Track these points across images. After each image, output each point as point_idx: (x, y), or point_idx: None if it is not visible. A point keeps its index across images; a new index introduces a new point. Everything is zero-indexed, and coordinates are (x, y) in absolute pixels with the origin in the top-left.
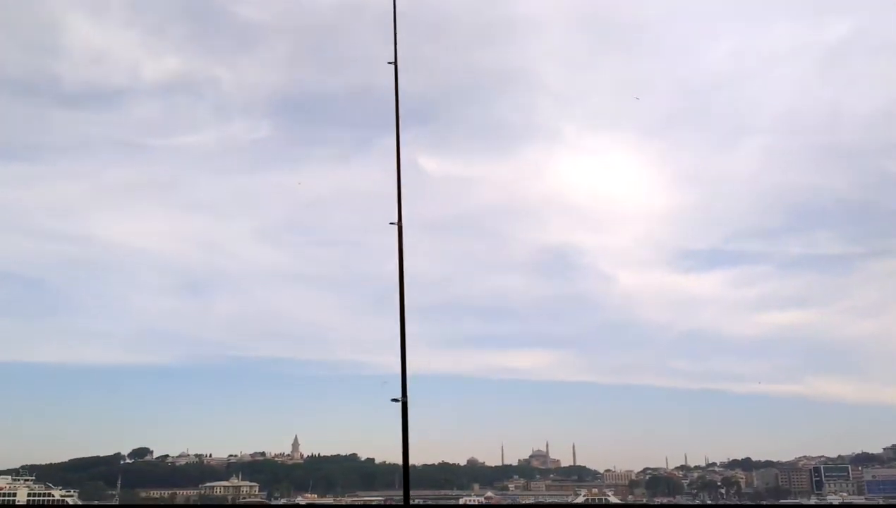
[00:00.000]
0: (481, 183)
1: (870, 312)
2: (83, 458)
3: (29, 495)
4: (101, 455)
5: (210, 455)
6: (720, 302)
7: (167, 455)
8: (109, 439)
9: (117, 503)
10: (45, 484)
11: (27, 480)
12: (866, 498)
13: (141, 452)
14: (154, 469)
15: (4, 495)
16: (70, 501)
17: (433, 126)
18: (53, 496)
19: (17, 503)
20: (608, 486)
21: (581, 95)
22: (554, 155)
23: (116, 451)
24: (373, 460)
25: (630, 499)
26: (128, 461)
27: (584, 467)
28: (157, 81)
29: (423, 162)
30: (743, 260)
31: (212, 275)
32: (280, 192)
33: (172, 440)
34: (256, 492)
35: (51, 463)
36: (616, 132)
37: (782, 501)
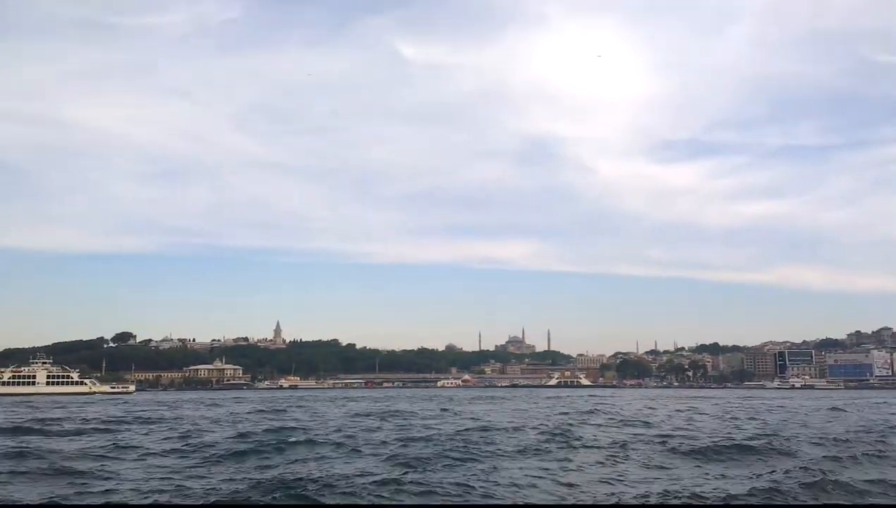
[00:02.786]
0: (464, 70)
1: (844, 202)
2: (66, 342)
3: (48, 376)
4: (84, 339)
5: (193, 340)
6: (697, 192)
7: (150, 340)
8: (92, 324)
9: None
10: (62, 367)
11: (45, 363)
12: (827, 381)
13: (124, 336)
14: (138, 352)
15: (24, 377)
16: (88, 382)
17: (415, 8)
18: (72, 377)
19: (36, 382)
20: (580, 369)
21: None
22: (538, 40)
23: (100, 335)
24: (353, 345)
25: (600, 381)
26: (111, 345)
27: (558, 352)
28: None
29: (405, 49)
30: (721, 151)
31: (188, 163)
32: (256, 77)
33: (155, 325)
34: (240, 375)
35: (34, 347)
36: (600, 17)
37: (746, 383)
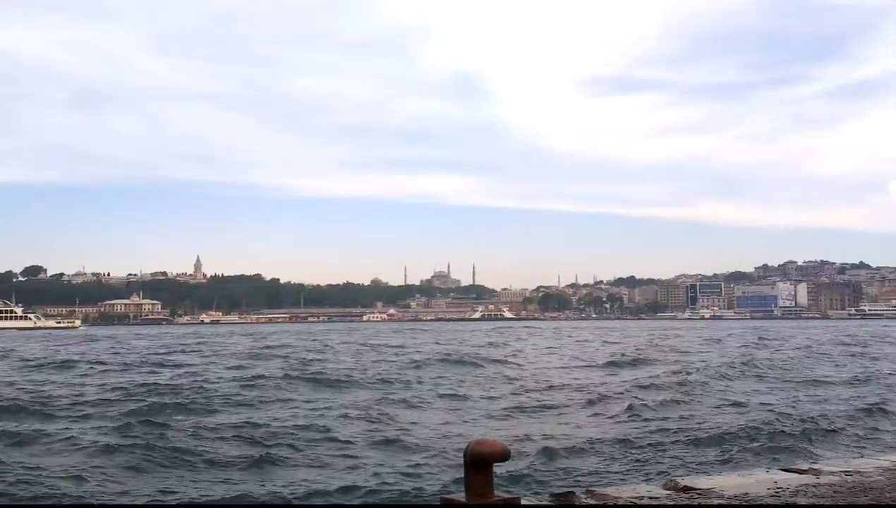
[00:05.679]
0: None
1: (763, 139)
2: None
3: None
4: None
5: (108, 274)
6: (622, 128)
7: (62, 274)
8: None
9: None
10: (3, 302)
11: None
12: (735, 312)
13: (34, 270)
14: (50, 287)
15: None
16: (32, 317)
17: None
18: (16, 312)
19: None
20: (503, 303)
21: None
22: None
23: (7, 269)
24: (278, 280)
25: (523, 314)
26: (20, 279)
27: (483, 286)
28: None
29: None
30: (646, 87)
31: (111, 90)
32: (184, 1)
33: (68, 259)
34: (159, 310)
35: None
36: None
37: (659, 314)
